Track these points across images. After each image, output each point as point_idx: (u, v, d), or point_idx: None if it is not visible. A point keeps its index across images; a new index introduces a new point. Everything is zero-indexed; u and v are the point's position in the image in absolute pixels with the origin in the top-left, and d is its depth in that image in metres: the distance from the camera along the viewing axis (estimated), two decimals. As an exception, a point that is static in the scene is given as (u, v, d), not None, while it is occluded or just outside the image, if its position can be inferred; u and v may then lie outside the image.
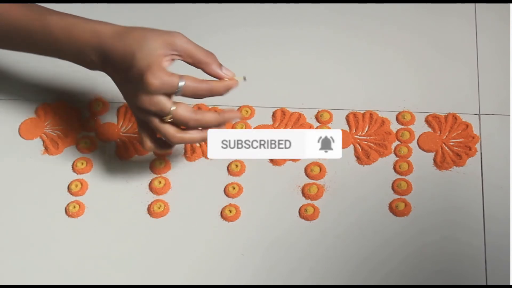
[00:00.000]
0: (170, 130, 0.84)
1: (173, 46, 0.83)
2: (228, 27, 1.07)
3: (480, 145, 0.93)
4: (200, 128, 0.86)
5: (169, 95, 0.83)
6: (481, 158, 0.92)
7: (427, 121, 0.96)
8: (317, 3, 1.08)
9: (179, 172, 0.94)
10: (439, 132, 0.95)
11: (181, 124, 0.84)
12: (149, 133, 0.87)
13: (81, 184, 0.93)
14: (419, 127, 0.96)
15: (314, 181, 0.92)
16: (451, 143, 0.94)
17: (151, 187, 0.93)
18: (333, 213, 0.90)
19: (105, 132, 0.97)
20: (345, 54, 1.03)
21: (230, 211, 0.90)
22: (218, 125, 0.86)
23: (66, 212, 0.92)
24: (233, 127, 0.97)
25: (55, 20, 0.87)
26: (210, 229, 0.90)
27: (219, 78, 0.85)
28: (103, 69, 0.86)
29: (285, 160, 0.94)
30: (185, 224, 0.90)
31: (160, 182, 0.93)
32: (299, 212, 0.90)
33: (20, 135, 0.98)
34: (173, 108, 0.83)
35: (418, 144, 0.94)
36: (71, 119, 0.99)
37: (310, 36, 1.05)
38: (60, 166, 0.95)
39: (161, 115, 0.83)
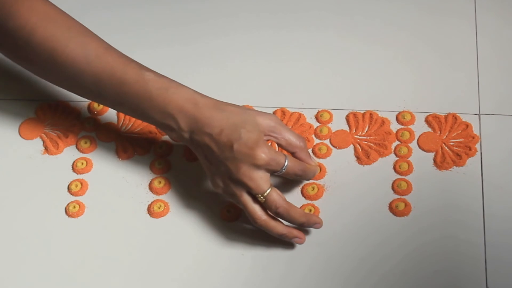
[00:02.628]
0: (258, 210, 0.84)
1: (273, 129, 0.84)
2: (229, 28, 1.07)
3: (480, 145, 0.93)
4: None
5: (271, 172, 0.83)
6: (481, 158, 0.92)
7: (427, 121, 0.96)
8: (317, 5, 1.08)
9: (179, 172, 0.94)
10: (439, 132, 0.95)
11: (269, 208, 0.84)
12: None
13: (81, 184, 0.93)
14: (419, 127, 0.96)
15: (314, 181, 0.92)
16: (451, 143, 0.94)
17: (151, 187, 0.93)
18: (333, 213, 0.90)
19: (105, 132, 0.97)
20: (345, 54, 1.03)
21: (229, 211, 0.90)
22: (302, 223, 0.85)
23: (66, 212, 0.92)
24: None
25: (152, 78, 0.85)
26: (211, 229, 0.89)
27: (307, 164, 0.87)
28: (189, 138, 0.85)
29: (285, 160, 0.94)
30: (185, 224, 0.90)
31: (160, 182, 0.93)
32: (299, 212, 0.90)
33: (20, 135, 0.98)
34: (268, 189, 0.83)
35: (418, 144, 0.94)
36: (71, 119, 0.99)
37: (310, 36, 1.05)
38: (60, 166, 0.95)
39: (255, 192, 0.83)
